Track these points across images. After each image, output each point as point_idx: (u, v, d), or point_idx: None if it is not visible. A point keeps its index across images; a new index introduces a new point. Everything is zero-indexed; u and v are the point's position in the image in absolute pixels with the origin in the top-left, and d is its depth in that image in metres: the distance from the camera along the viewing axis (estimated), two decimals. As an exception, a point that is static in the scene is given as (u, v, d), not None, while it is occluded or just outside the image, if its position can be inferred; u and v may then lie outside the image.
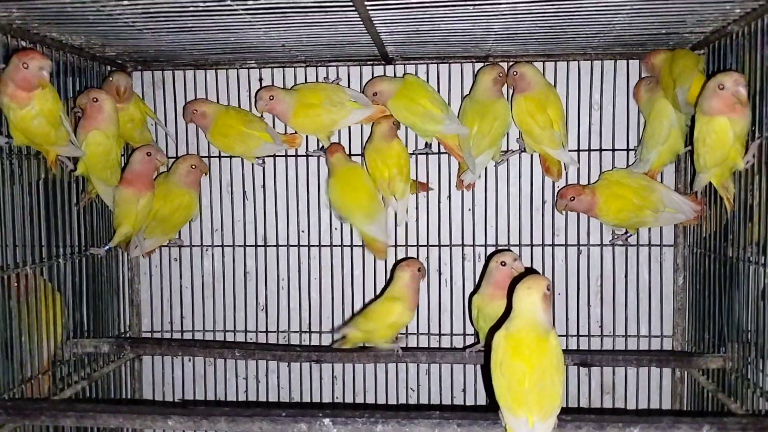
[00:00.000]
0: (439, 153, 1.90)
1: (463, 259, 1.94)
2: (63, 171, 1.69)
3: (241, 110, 1.90)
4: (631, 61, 1.82)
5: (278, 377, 2.01)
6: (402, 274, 1.71)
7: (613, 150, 1.86)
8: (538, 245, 1.91)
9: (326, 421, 1.25)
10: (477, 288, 1.72)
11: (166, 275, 2.02)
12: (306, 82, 1.91)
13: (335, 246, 1.96)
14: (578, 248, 1.91)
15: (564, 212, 1.81)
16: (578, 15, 1.40)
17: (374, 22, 1.41)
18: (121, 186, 1.76)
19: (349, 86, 1.90)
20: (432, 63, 1.88)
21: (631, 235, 1.84)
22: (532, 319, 1.21)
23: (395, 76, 1.88)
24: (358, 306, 1.97)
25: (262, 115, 1.87)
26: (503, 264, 1.60)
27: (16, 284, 1.54)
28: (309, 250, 1.98)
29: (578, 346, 1.92)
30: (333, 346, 1.76)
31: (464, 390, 1.96)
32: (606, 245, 1.89)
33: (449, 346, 1.96)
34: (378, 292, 1.95)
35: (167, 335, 2.02)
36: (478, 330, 1.69)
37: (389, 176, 1.80)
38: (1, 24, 1.40)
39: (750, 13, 1.38)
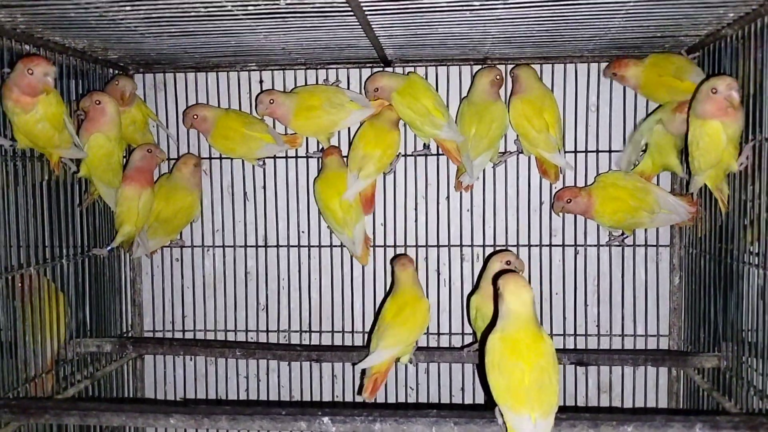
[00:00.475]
0: (438, 154, 1.92)
1: (462, 259, 1.96)
2: (66, 172, 1.71)
3: (241, 113, 1.91)
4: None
5: (279, 376, 2.03)
6: (402, 271, 1.71)
7: (610, 151, 1.88)
8: (536, 245, 1.93)
9: (325, 419, 1.27)
10: (475, 288, 1.75)
11: (168, 275, 2.04)
12: (306, 84, 1.93)
13: (335, 246, 1.98)
14: (575, 248, 1.92)
15: (561, 214, 1.83)
16: (574, 19, 1.41)
17: (373, 27, 1.42)
18: (124, 184, 1.77)
19: (348, 88, 1.92)
20: (430, 65, 1.89)
21: (627, 236, 1.86)
22: (526, 319, 1.22)
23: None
24: (357, 306, 1.99)
25: (262, 118, 1.89)
26: (508, 263, 1.62)
27: (20, 285, 1.56)
28: (309, 250, 2.00)
29: (575, 345, 1.94)
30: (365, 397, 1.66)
31: (463, 389, 1.98)
32: (603, 246, 1.91)
33: (448, 345, 1.97)
34: (376, 292, 1.97)
35: (169, 335, 2.04)
36: (475, 329, 1.71)
37: (369, 153, 1.79)
38: (6, 29, 1.42)
39: (743, 17, 1.40)
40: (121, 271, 2.02)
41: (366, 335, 1.99)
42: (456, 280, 1.97)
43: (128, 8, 1.28)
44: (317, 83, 1.93)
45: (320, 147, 1.92)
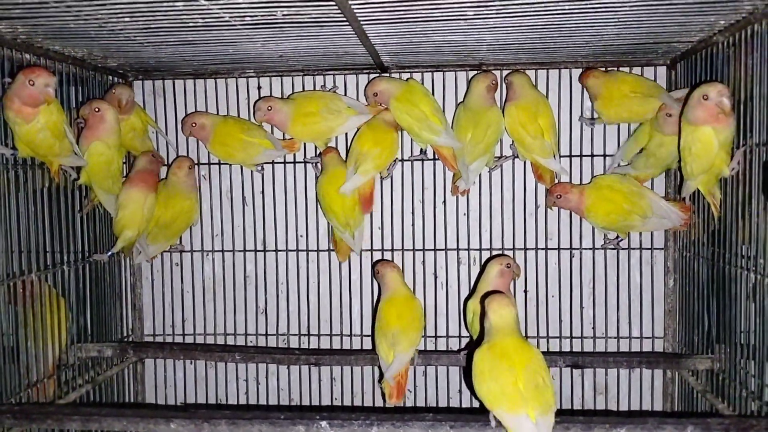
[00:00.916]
0: (434, 159, 1.94)
1: (458, 262, 1.98)
2: (66, 179, 1.72)
3: (239, 119, 1.93)
4: (621, 68, 1.85)
5: (278, 379, 2.05)
6: (387, 273, 1.75)
7: (605, 156, 1.90)
8: (532, 249, 1.95)
9: (323, 423, 1.28)
10: (472, 292, 1.76)
11: (168, 280, 2.06)
12: (303, 90, 1.95)
13: (333, 250, 1.99)
14: (571, 252, 1.94)
15: (553, 209, 1.85)
16: (568, 27, 1.43)
17: (368, 35, 1.44)
18: (128, 186, 1.78)
19: (345, 94, 1.94)
20: (426, 71, 1.91)
21: (622, 239, 1.87)
22: (510, 332, 1.28)
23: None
24: (356, 309, 2.01)
25: (260, 124, 1.90)
26: (508, 266, 1.64)
27: (21, 291, 1.58)
28: (308, 254, 2.02)
29: (571, 347, 1.96)
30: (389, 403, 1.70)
31: (460, 391, 2.00)
32: (598, 249, 1.93)
33: (445, 348, 1.99)
34: (374, 296, 1.98)
35: (169, 339, 2.06)
36: (472, 333, 1.73)
37: (368, 150, 1.80)
38: (6, 39, 1.44)
39: (734, 25, 1.42)
40: (121, 276, 2.03)
41: (364, 339, 2.01)
42: (453, 284, 1.99)
43: (127, 19, 1.29)
44: (315, 89, 1.94)
45: (317, 152, 1.94)
